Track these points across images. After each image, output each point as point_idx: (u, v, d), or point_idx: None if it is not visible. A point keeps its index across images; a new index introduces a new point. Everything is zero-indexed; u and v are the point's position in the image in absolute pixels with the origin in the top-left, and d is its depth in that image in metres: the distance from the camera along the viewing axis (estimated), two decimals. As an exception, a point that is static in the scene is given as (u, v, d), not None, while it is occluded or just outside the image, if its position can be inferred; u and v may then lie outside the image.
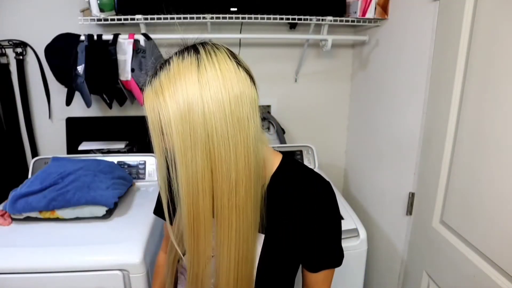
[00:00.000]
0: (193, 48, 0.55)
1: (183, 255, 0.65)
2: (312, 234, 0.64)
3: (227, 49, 0.57)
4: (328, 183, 0.66)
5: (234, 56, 0.56)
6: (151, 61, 1.26)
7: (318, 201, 0.64)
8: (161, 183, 0.61)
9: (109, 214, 1.10)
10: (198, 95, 0.51)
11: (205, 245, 0.60)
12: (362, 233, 1.16)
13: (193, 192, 0.55)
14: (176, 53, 0.55)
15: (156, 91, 0.53)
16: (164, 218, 0.64)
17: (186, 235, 0.60)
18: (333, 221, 0.66)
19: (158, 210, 0.81)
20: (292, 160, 0.70)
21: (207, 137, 0.52)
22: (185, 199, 0.56)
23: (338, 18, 1.39)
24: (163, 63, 0.56)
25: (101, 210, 1.08)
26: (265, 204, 0.62)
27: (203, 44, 0.56)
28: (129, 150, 1.48)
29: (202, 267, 0.62)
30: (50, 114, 1.55)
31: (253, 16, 1.32)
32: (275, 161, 0.67)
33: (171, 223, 0.64)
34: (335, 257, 0.68)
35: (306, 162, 1.56)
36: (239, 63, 0.55)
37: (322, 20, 1.40)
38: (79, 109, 1.50)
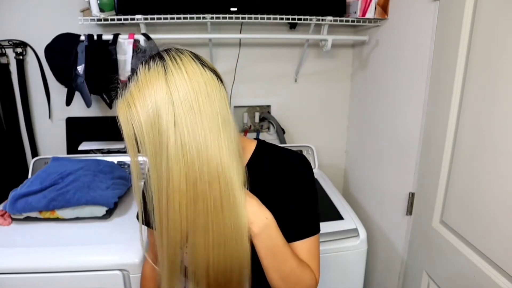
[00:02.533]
0: (158, 56, 0.57)
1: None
2: (291, 202, 0.66)
3: (191, 52, 0.59)
4: (303, 156, 0.71)
5: (198, 58, 0.58)
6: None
7: (295, 171, 0.67)
8: (136, 192, 0.62)
9: (109, 214, 1.11)
10: (167, 100, 0.52)
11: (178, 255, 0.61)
12: (362, 233, 1.15)
13: (167, 198, 0.55)
14: (142, 63, 0.57)
15: (128, 102, 0.55)
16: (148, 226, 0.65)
17: (160, 245, 0.60)
18: (311, 189, 0.69)
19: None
20: (266, 144, 0.72)
21: (179, 140, 0.53)
22: (157, 205, 0.57)
23: (338, 18, 1.39)
24: (131, 75, 0.57)
25: (101, 210, 1.08)
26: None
27: (167, 50, 0.58)
28: (129, 150, 1.48)
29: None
30: (50, 114, 1.55)
31: (253, 16, 1.32)
32: (250, 147, 0.70)
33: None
34: (315, 225, 0.68)
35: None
36: (204, 64, 0.57)
37: (322, 20, 1.40)
38: (79, 109, 1.50)
